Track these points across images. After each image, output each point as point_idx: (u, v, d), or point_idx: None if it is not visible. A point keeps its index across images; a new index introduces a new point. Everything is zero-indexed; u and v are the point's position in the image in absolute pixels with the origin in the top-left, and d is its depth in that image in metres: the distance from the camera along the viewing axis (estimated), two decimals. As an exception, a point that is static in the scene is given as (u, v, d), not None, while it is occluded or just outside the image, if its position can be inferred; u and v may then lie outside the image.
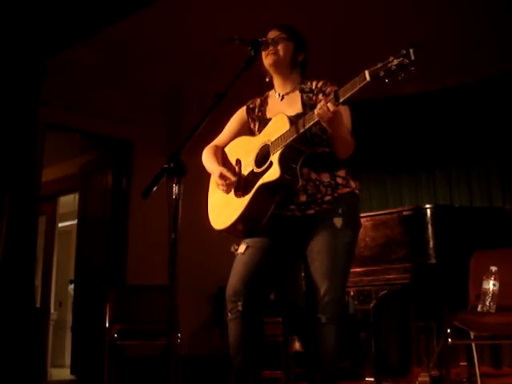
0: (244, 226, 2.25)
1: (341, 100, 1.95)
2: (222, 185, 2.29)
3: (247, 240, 2.26)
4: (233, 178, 2.27)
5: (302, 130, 2.07)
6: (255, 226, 2.23)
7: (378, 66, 1.84)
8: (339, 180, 2.20)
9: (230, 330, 2.25)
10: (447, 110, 5.50)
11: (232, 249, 2.28)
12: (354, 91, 1.90)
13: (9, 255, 4.01)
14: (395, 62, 1.80)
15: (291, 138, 2.09)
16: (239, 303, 2.19)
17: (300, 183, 2.12)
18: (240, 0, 4.19)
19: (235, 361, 2.23)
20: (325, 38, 4.42)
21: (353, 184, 2.23)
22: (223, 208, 2.33)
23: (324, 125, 2.03)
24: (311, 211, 2.18)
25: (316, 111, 1.99)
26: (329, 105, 1.96)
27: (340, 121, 2.04)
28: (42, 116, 4.42)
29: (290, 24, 2.37)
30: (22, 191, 4.15)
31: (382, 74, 1.82)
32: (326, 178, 2.18)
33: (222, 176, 2.29)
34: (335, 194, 2.17)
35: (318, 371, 2.15)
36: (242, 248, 2.24)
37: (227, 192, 2.30)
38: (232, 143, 2.45)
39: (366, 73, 1.85)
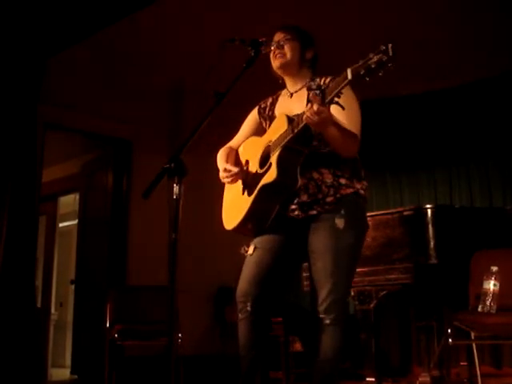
0: (250, 225, 2.27)
1: (327, 100, 1.92)
2: (227, 177, 2.35)
3: (255, 241, 2.27)
4: (234, 170, 2.32)
5: (295, 131, 2.06)
6: (262, 226, 2.24)
7: (360, 63, 1.81)
8: (342, 180, 2.18)
9: (240, 330, 2.22)
10: (447, 109, 5.49)
11: (242, 250, 2.30)
12: (338, 90, 1.87)
13: (9, 255, 4.01)
14: (375, 58, 1.77)
15: (287, 139, 2.08)
16: (248, 303, 2.18)
17: (299, 183, 2.11)
18: (240, 0, 4.19)
19: (244, 361, 2.21)
20: (325, 37, 4.42)
21: (357, 184, 2.21)
22: (232, 208, 2.37)
23: (311, 127, 2.01)
24: (313, 212, 2.17)
25: (304, 115, 1.97)
26: (314, 105, 1.93)
27: (328, 122, 1.99)
28: (42, 115, 4.42)
29: (294, 24, 2.37)
30: (22, 191, 4.15)
31: (362, 71, 1.79)
32: (328, 178, 2.17)
33: (225, 170, 2.35)
34: (338, 195, 2.16)
35: (321, 372, 2.14)
36: (251, 249, 2.26)
37: (233, 183, 2.36)
38: (243, 144, 2.49)
39: (349, 71, 1.83)
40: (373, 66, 1.77)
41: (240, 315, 2.21)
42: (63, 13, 3.97)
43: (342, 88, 1.86)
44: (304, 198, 2.17)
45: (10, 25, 4.05)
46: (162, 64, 5.11)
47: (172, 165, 1.82)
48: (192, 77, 4.92)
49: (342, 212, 2.15)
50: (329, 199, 2.16)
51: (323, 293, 2.11)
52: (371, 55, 1.78)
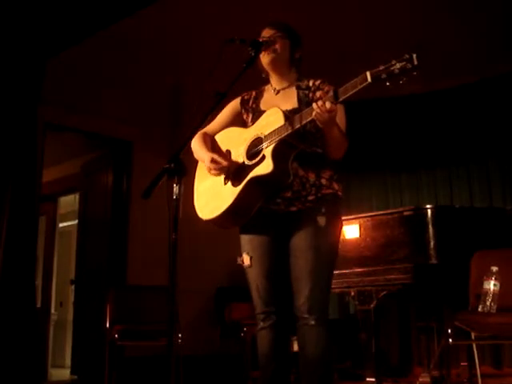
0: (232, 218, 2.25)
1: (340, 99, 1.95)
2: (215, 169, 2.26)
3: (247, 248, 2.27)
4: (224, 163, 2.25)
5: (297, 126, 2.07)
6: (243, 219, 2.24)
7: (380, 68, 1.84)
8: (323, 181, 2.20)
9: (262, 339, 2.22)
10: (448, 110, 5.50)
11: (238, 261, 2.28)
12: (354, 91, 1.90)
13: (9, 255, 4.01)
14: (398, 65, 1.80)
15: (286, 133, 2.09)
16: (273, 312, 2.20)
17: (291, 178, 2.12)
18: (240, 0, 4.19)
19: (266, 371, 2.21)
20: (325, 37, 4.42)
21: (336, 186, 2.24)
22: (211, 198, 2.32)
23: (318, 124, 2.03)
24: (294, 208, 2.18)
25: (314, 111, 1.99)
26: (327, 103, 1.96)
27: (334, 121, 2.04)
28: (43, 116, 4.42)
29: (284, 21, 2.37)
30: (22, 191, 4.14)
31: (383, 76, 1.83)
32: (311, 177, 2.19)
33: (213, 161, 2.26)
34: (319, 194, 2.18)
35: (315, 374, 2.13)
36: (246, 260, 2.25)
37: (218, 175, 2.28)
38: (222, 133, 2.44)
39: (368, 74, 1.86)
40: (396, 72, 1.81)
41: (263, 323, 2.21)
42: (63, 13, 3.97)
43: (360, 89, 1.88)
44: (288, 193, 2.17)
45: (10, 25, 4.05)
46: (162, 64, 5.11)
47: (172, 165, 1.82)
48: (192, 77, 4.92)
49: (323, 210, 2.17)
50: (310, 198, 2.17)
51: (305, 292, 2.12)
52: (393, 62, 1.82)
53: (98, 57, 4.80)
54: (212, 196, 2.32)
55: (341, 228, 2.27)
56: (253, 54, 2.18)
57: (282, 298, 2.22)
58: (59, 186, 6.45)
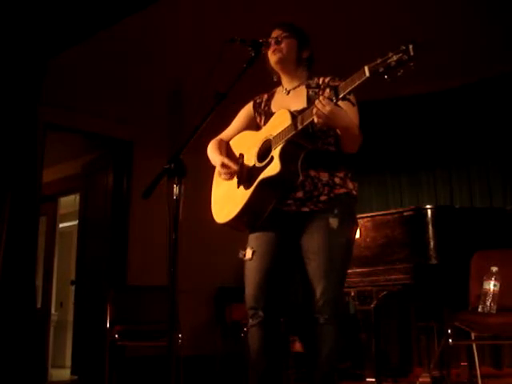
0: (245, 220, 2.26)
1: (340, 96, 1.95)
2: (225, 173, 2.32)
3: (252, 243, 2.27)
4: (234, 167, 2.30)
5: (300, 127, 2.07)
6: (256, 221, 2.24)
7: (378, 61, 1.83)
8: (337, 180, 2.20)
9: (252, 336, 2.23)
10: (448, 110, 5.49)
11: (240, 255, 2.28)
12: (353, 87, 1.90)
13: (10, 256, 4.01)
14: (394, 57, 1.79)
15: (292, 134, 2.09)
16: (260, 309, 2.20)
17: (300, 178, 2.12)
18: (240, 0, 4.19)
19: (258, 367, 2.21)
20: (325, 37, 4.42)
21: (350, 185, 2.24)
22: (225, 202, 2.35)
23: (320, 121, 2.02)
24: (306, 209, 2.19)
25: (314, 110, 1.99)
26: (325, 101, 1.96)
27: (338, 117, 2.03)
28: (43, 116, 4.42)
29: (291, 22, 2.39)
30: (22, 192, 4.14)
31: (381, 69, 1.82)
32: (324, 176, 2.19)
33: (223, 165, 2.32)
34: (331, 194, 2.18)
35: (319, 371, 2.15)
36: (248, 253, 2.25)
37: (230, 179, 2.32)
38: (236, 137, 2.47)
39: (366, 68, 1.85)
40: (392, 65, 1.79)
41: (251, 321, 2.22)
42: (63, 13, 3.97)
43: (359, 85, 1.88)
44: (300, 194, 2.18)
45: (11, 25, 4.05)
46: (161, 64, 5.10)
47: (172, 165, 1.82)
48: (192, 77, 4.92)
49: (336, 212, 2.16)
50: (323, 198, 2.17)
51: (317, 292, 2.12)
52: (390, 54, 1.81)
53: (98, 57, 4.80)
54: (226, 200, 2.34)
55: (356, 228, 2.27)
56: (253, 54, 2.18)
57: (274, 296, 2.21)
58: (59, 187, 6.45)
